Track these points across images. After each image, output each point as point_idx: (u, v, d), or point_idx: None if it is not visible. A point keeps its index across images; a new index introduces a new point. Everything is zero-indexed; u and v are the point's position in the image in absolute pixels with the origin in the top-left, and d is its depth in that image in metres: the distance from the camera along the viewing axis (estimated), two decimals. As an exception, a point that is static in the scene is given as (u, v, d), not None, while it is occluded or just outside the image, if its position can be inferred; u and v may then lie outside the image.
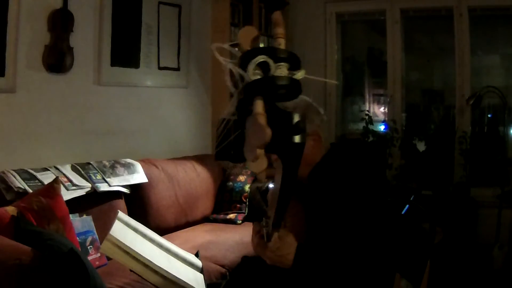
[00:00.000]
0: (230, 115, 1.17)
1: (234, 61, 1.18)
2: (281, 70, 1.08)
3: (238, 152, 1.10)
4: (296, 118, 1.08)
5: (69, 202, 2.36)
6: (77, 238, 2.32)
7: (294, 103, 1.57)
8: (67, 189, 2.49)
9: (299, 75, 1.11)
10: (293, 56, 1.12)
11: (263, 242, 1.40)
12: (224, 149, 1.22)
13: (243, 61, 1.11)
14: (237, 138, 1.17)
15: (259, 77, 1.07)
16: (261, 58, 1.07)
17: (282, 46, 1.14)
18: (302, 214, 1.57)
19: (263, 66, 1.07)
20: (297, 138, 1.06)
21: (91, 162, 2.81)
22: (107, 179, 2.74)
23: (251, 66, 1.06)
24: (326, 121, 1.62)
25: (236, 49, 1.24)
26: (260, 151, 1.01)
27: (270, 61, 1.06)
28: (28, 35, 2.62)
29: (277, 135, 1.03)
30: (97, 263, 2.36)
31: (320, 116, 1.59)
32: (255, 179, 3.49)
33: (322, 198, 1.49)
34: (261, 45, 1.22)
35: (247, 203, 3.42)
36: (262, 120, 1.00)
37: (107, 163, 2.87)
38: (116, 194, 2.79)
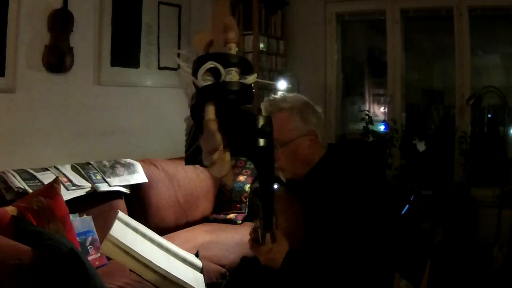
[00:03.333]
0: (188, 119, 1.17)
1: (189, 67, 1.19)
2: (232, 76, 1.08)
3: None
4: (261, 122, 1.08)
5: (69, 202, 2.36)
6: (77, 238, 2.32)
7: (291, 103, 1.57)
8: (67, 189, 2.49)
9: (250, 79, 1.10)
10: (244, 61, 1.12)
11: (256, 244, 1.42)
12: (193, 154, 1.21)
13: (195, 67, 1.11)
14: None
15: (209, 82, 1.06)
16: (210, 64, 1.07)
17: (233, 51, 1.14)
18: (300, 213, 1.57)
19: (214, 72, 1.07)
20: (261, 142, 1.06)
21: (91, 162, 2.81)
22: (107, 179, 2.74)
23: (200, 72, 1.07)
24: (325, 120, 1.62)
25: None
26: (218, 156, 1.00)
27: (220, 67, 1.06)
28: (28, 35, 2.62)
29: (242, 138, 1.04)
30: (97, 263, 2.36)
31: (316, 114, 1.59)
32: (255, 179, 3.49)
33: (321, 197, 1.49)
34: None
35: (247, 203, 3.42)
36: (213, 126, 1.00)
37: (107, 163, 2.87)
38: (116, 194, 2.79)
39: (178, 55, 1.31)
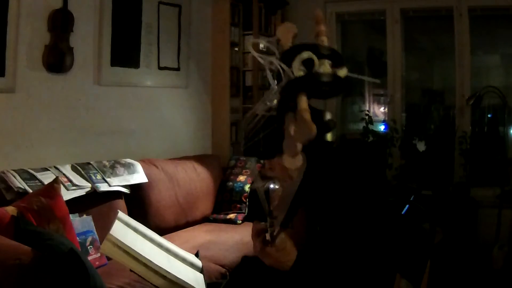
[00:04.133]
0: (264, 111, 1.16)
1: (273, 57, 1.18)
2: (325, 67, 1.08)
3: (267, 149, 1.10)
4: (328, 116, 1.09)
5: (69, 202, 2.36)
6: (77, 238, 2.32)
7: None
8: (67, 189, 2.49)
9: (342, 72, 1.11)
10: (335, 53, 1.13)
11: (265, 245, 1.39)
12: (254, 145, 1.21)
13: (286, 58, 1.10)
14: (267, 134, 1.17)
15: (303, 73, 1.06)
16: (306, 55, 1.07)
17: (325, 43, 1.14)
18: (302, 214, 1.56)
19: (306, 63, 1.07)
20: (328, 136, 1.07)
21: (91, 162, 2.81)
22: (107, 179, 2.74)
23: (297, 62, 1.06)
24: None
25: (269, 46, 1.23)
26: (300, 147, 1.01)
27: (315, 58, 1.06)
28: (28, 35, 2.62)
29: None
30: (97, 263, 2.36)
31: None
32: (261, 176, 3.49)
33: (321, 197, 1.49)
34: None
35: (247, 203, 3.42)
36: (308, 116, 1.00)
37: (107, 163, 2.87)
38: (116, 194, 2.79)
39: (257, 45, 1.32)
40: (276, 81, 1.12)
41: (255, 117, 1.18)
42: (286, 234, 1.39)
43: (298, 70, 1.06)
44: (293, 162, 1.03)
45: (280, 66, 1.09)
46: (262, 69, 4.25)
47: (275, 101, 1.13)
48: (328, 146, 1.08)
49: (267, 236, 1.37)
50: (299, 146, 1.01)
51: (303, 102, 1.03)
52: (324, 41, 1.14)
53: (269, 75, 1.15)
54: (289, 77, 1.07)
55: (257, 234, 1.48)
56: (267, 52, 1.22)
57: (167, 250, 1.90)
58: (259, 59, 1.19)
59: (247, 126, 1.22)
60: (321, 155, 1.09)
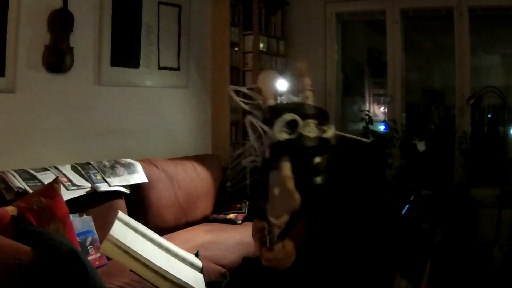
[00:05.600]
0: (248, 163, 1.12)
1: (251, 104, 1.15)
2: (310, 128, 1.04)
3: (255, 193, 1.08)
4: (317, 160, 1.04)
5: (69, 202, 2.36)
6: (77, 238, 2.32)
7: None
8: (67, 189, 2.49)
9: (329, 133, 1.06)
10: (321, 111, 1.08)
11: (264, 248, 1.39)
12: (240, 190, 1.20)
13: (269, 117, 1.06)
14: (254, 181, 1.13)
15: (286, 135, 1.02)
16: (289, 117, 1.02)
17: (310, 100, 1.10)
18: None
19: (290, 124, 1.03)
20: (318, 180, 1.03)
21: (91, 162, 2.81)
22: (107, 179, 2.74)
23: (279, 125, 1.01)
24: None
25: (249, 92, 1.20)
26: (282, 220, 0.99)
27: (299, 120, 1.02)
28: (28, 35, 2.62)
29: (297, 175, 0.99)
30: (97, 263, 2.36)
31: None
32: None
33: (322, 197, 1.49)
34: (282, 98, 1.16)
35: (248, 203, 3.41)
36: (291, 184, 0.96)
37: (107, 163, 2.87)
38: (116, 194, 2.79)
39: (237, 92, 1.26)
40: (256, 136, 1.08)
41: (242, 168, 1.16)
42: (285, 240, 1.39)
43: (280, 132, 1.01)
44: (278, 221, 1.02)
45: (261, 127, 1.04)
46: (262, 69, 4.26)
47: (255, 158, 1.09)
48: (318, 190, 1.05)
49: (266, 236, 1.36)
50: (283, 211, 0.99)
51: (286, 169, 0.99)
52: (309, 97, 1.10)
53: (249, 131, 1.11)
54: (271, 138, 1.03)
55: (257, 233, 1.48)
56: (249, 97, 1.18)
57: (167, 250, 1.90)
58: (242, 105, 1.15)
59: (231, 169, 1.21)
60: (313, 198, 1.06)
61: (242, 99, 1.16)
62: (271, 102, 1.13)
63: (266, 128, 1.04)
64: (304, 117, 1.04)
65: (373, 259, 1.39)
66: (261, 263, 1.45)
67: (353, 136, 1.24)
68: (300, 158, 1.02)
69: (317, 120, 1.06)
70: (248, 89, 1.20)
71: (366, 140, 1.24)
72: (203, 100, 4.01)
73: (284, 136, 1.02)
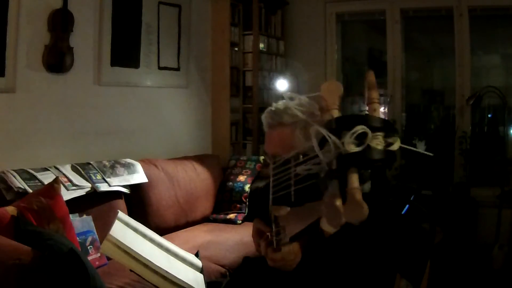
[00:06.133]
0: (303, 171, 1.12)
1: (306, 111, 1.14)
2: (378, 141, 1.04)
3: (299, 200, 1.08)
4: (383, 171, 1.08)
5: (69, 202, 2.36)
6: (77, 238, 2.32)
7: (294, 117, 1.54)
8: (67, 189, 2.49)
9: (395, 146, 1.07)
10: (388, 124, 1.09)
11: (270, 248, 1.38)
12: (285, 195, 1.20)
13: (336, 125, 1.07)
14: (301, 188, 1.14)
15: (354, 147, 1.02)
16: (360, 129, 1.03)
17: (377, 112, 1.11)
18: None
19: (359, 136, 1.03)
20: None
21: (91, 162, 2.81)
22: (107, 179, 2.74)
23: (349, 137, 1.02)
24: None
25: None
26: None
27: (369, 132, 1.02)
28: (28, 35, 2.62)
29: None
30: (97, 263, 2.36)
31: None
32: (256, 177, 3.50)
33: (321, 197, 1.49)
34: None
35: (247, 203, 3.42)
36: (359, 196, 0.97)
37: (107, 163, 2.87)
38: (116, 194, 2.79)
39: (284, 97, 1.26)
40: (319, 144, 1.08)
41: (287, 169, 1.16)
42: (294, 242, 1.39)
43: (349, 144, 1.02)
44: (332, 228, 1.02)
45: (329, 136, 1.05)
46: (262, 69, 4.26)
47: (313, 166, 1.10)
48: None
49: (273, 241, 1.36)
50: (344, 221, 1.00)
51: (354, 180, 1.00)
52: (377, 109, 1.11)
53: (314, 141, 1.11)
54: (337, 148, 1.03)
55: (258, 234, 1.47)
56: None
57: (167, 250, 1.90)
58: (297, 113, 1.16)
59: (273, 169, 1.21)
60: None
61: (296, 106, 1.16)
62: (335, 112, 1.14)
63: (335, 139, 1.04)
64: (372, 129, 1.05)
65: (373, 259, 1.39)
66: (261, 262, 1.45)
67: (417, 150, 1.27)
68: (367, 168, 1.05)
69: (384, 132, 1.08)
70: (308, 97, 1.21)
71: (429, 154, 1.27)
72: (203, 100, 4.01)
73: (353, 148, 1.02)
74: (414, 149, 1.25)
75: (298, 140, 1.52)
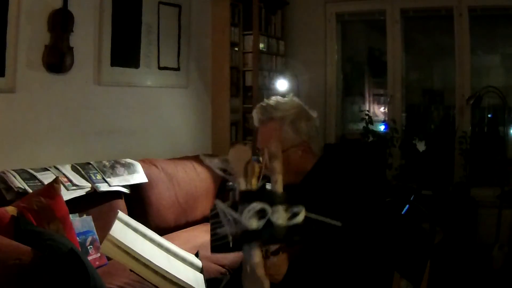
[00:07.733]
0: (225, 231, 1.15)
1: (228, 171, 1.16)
2: (279, 215, 1.06)
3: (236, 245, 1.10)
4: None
5: (69, 202, 2.36)
6: (77, 238, 2.32)
7: (283, 112, 1.54)
8: (67, 189, 2.49)
9: (299, 218, 1.08)
10: (290, 197, 1.10)
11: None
12: (220, 243, 1.22)
13: (239, 200, 1.09)
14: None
15: (255, 223, 1.04)
16: (258, 206, 1.05)
17: (279, 184, 1.12)
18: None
19: (260, 212, 1.06)
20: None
21: (91, 162, 2.81)
22: (107, 179, 2.74)
23: (247, 213, 1.05)
24: (324, 122, 1.60)
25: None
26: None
27: (268, 209, 1.05)
28: (28, 35, 2.62)
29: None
30: (97, 263, 2.36)
31: (310, 122, 1.57)
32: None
33: (318, 198, 1.49)
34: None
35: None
36: (261, 271, 1.01)
37: (107, 163, 2.87)
38: (116, 194, 2.79)
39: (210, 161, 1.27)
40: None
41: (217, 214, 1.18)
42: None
43: (249, 220, 1.04)
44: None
45: (232, 215, 1.08)
46: (262, 69, 4.26)
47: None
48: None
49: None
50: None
51: (256, 256, 1.02)
52: (279, 180, 1.12)
53: (221, 215, 1.13)
54: (240, 223, 1.05)
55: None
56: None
57: (167, 250, 1.90)
58: (217, 171, 1.18)
59: (210, 221, 1.23)
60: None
61: (220, 165, 1.18)
62: (241, 183, 1.14)
63: (236, 216, 1.07)
64: (274, 204, 1.06)
65: (373, 259, 1.39)
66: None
67: (324, 219, 1.27)
68: (271, 243, 1.08)
69: (287, 205, 1.08)
70: (221, 160, 1.22)
71: (336, 223, 1.28)
72: (203, 100, 4.01)
73: (253, 224, 1.04)
74: (322, 218, 1.26)
75: (287, 134, 1.53)
